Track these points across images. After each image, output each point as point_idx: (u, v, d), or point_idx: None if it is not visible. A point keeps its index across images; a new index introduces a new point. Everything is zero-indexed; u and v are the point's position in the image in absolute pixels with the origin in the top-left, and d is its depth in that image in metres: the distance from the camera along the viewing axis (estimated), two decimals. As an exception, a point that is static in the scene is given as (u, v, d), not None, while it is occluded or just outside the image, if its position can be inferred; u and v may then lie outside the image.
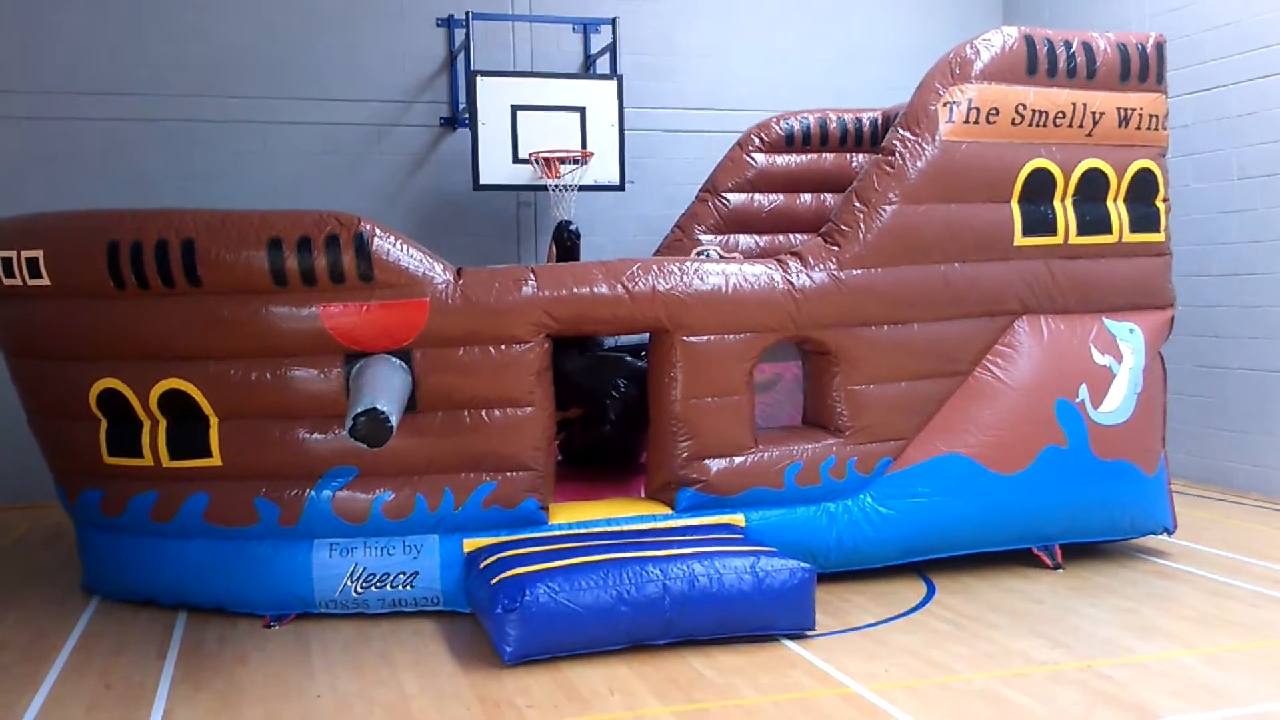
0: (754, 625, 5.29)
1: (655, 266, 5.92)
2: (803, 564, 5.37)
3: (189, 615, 5.88)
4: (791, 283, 6.00)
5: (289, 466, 5.70)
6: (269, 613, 5.76)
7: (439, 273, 5.62)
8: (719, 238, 8.67)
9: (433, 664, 5.10)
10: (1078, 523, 6.47)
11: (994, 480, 6.24)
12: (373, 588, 5.73)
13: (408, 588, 5.75)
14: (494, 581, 5.23)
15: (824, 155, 8.82)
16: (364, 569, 5.72)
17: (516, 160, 9.02)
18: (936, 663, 4.98)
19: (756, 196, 8.73)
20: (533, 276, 5.76)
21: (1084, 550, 6.65)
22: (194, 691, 4.83)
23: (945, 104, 6.10)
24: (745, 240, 8.72)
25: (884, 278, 6.10)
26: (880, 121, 8.77)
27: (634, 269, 5.88)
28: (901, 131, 6.15)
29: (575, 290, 5.77)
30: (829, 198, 8.80)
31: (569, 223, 7.87)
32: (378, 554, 5.75)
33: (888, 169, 6.11)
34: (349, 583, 5.72)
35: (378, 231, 5.53)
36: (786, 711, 4.43)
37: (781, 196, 8.78)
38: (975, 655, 5.07)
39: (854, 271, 6.06)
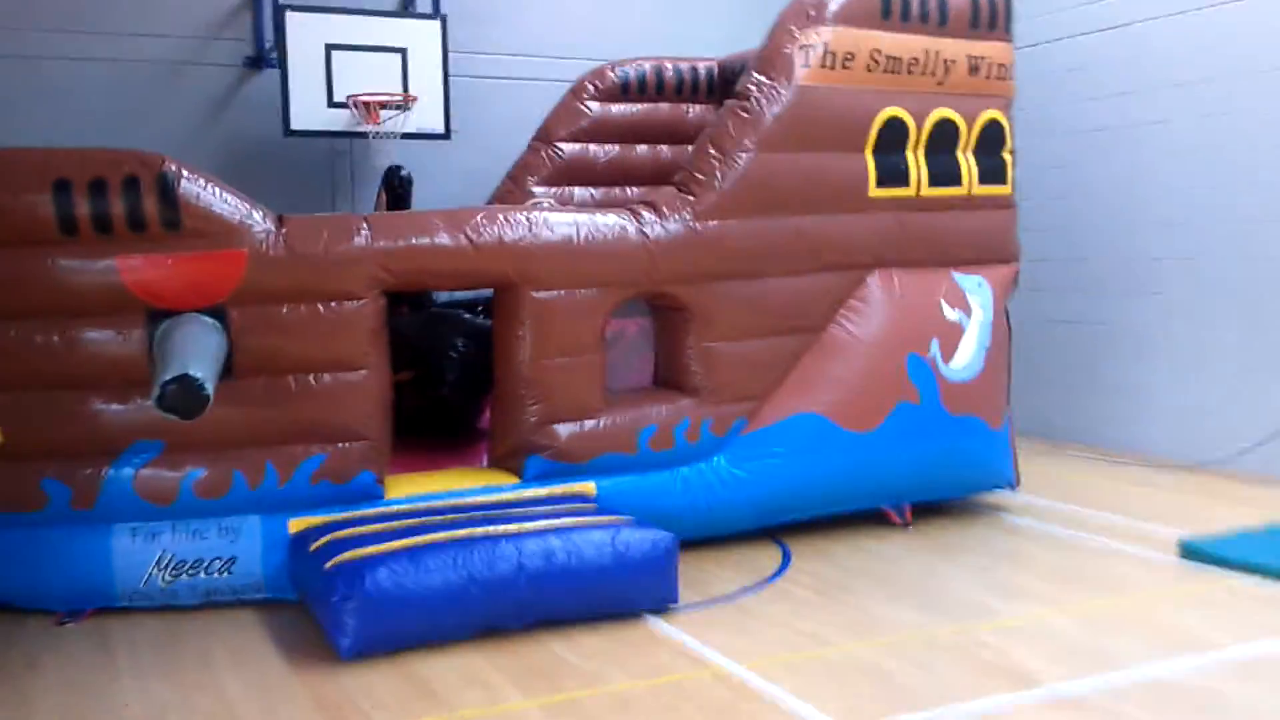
0: (616, 602, 4.93)
1: (501, 216, 5.45)
2: (664, 533, 5.04)
3: (-34, 614, 5.13)
4: (645, 234, 5.64)
5: (83, 442, 5.02)
6: (62, 608, 5.07)
7: (258, 220, 5.02)
8: (553, 189, 8.26)
9: (259, 662, 4.56)
10: (928, 480, 6.37)
11: (848, 439, 6.07)
12: (184, 576, 5.12)
13: (224, 575, 5.16)
14: (328, 566, 4.71)
15: (660, 105, 8.51)
16: (173, 555, 5.10)
17: (332, 104, 8.34)
18: (808, 633, 4.74)
19: (591, 146, 8.36)
20: (366, 226, 5.21)
21: (931, 509, 6.57)
22: (-27, 704, 4.17)
23: (801, 47, 5.83)
24: (580, 192, 8.33)
25: (740, 229, 5.80)
26: (716, 72, 8.50)
27: (478, 218, 5.40)
28: (756, 75, 5.84)
29: (414, 241, 5.25)
30: (665, 149, 8.53)
31: (400, 167, 7.30)
32: (189, 538, 5.13)
33: (743, 114, 5.80)
34: (156, 571, 5.09)
35: (185, 173, 4.90)
36: (663, 698, 4.10)
37: (617, 147, 8.43)
38: (845, 623, 4.86)
39: (710, 223, 5.74)
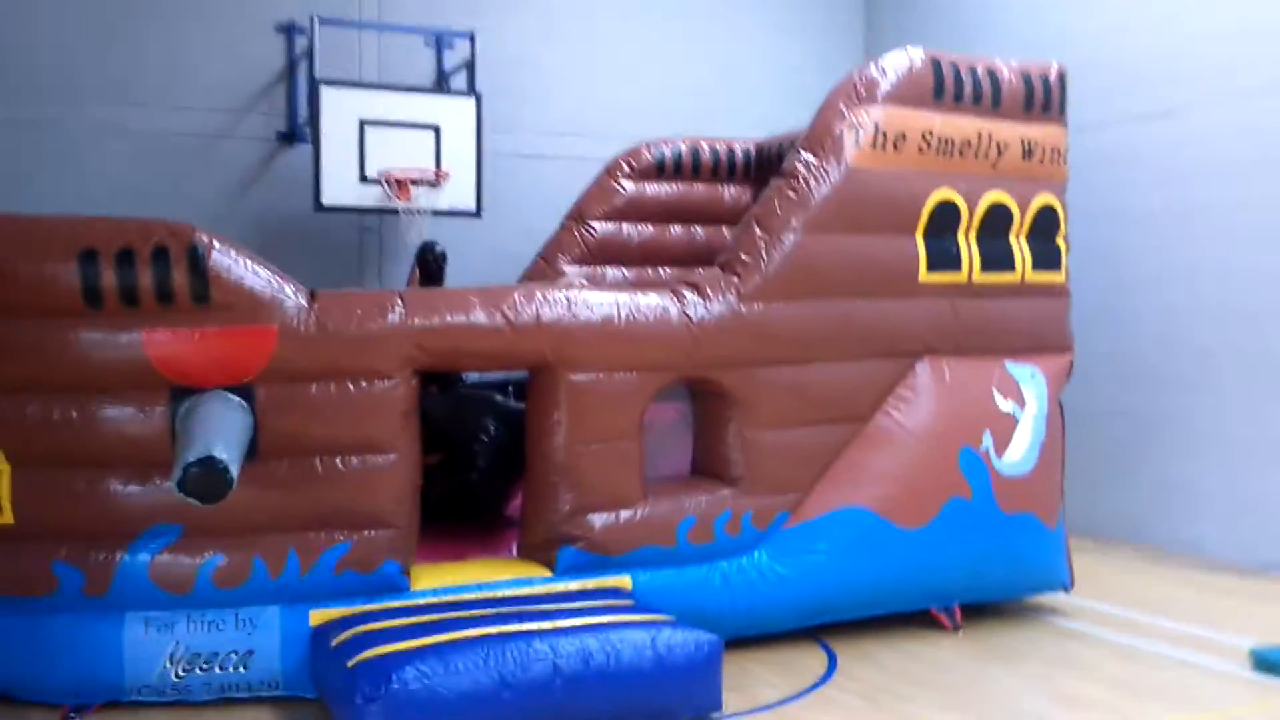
0: (655, 709, 4.62)
1: (540, 294, 5.24)
2: (708, 635, 4.74)
3: (-35, 706, 4.85)
4: (688, 315, 5.42)
5: (97, 524, 4.77)
6: (69, 701, 4.77)
7: (289, 295, 4.82)
8: (585, 268, 8.09)
9: (275, 766, 4.26)
10: (980, 580, 6.05)
11: (896, 535, 5.77)
12: (197, 670, 4.82)
13: (240, 670, 4.86)
14: (351, 664, 4.42)
15: (695, 185, 8.38)
16: (187, 648, 4.82)
17: (364, 180, 8.25)
18: (861, 747, 4.42)
19: (625, 226, 8.21)
20: (400, 302, 5.01)
21: (979, 610, 6.23)
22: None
23: (850, 127, 5.65)
24: (612, 272, 8.17)
25: (786, 312, 5.58)
26: (754, 153, 8.35)
27: (516, 296, 5.19)
28: (804, 155, 5.66)
29: (449, 319, 5.04)
30: (699, 230, 8.38)
31: (434, 243, 7.13)
32: (204, 629, 4.85)
33: (790, 194, 5.60)
34: (168, 665, 4.80)
35: (216, 244, 4.71)
36: (711, 819, 3.78)
37: (651, 227, 8.28)
38: (901, 736, 4.53)
39: (755, 305, 5.51)
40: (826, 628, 5.85)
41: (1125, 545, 8.07)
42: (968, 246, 6.00)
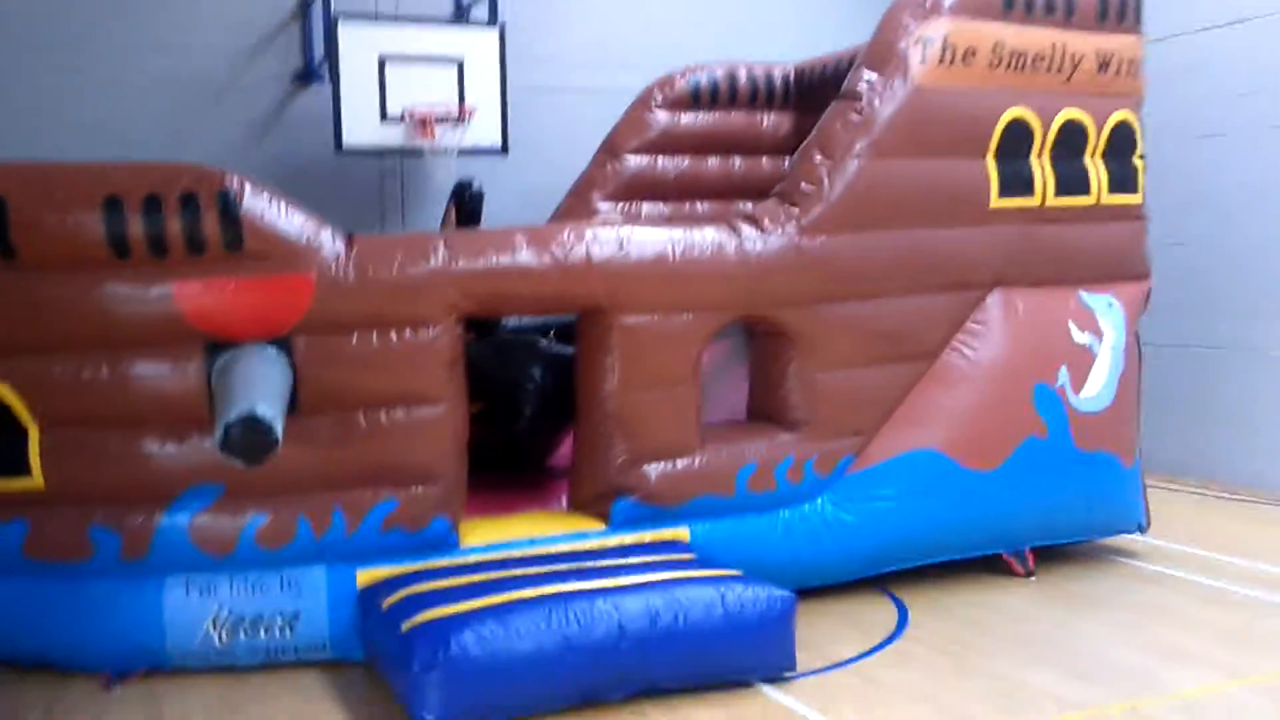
0: (726, 669, 4.36)
1: (589, 232, 4.91)
2: (781, 591, 4.47)
3: (6, 675, 4.60)
4: (746, 251, 5.08)
5: (133, 487, 4.52)
6: (109, 669, 4.55)
7: (326, 240, 4.51)
8: (619, 204, 7.73)
9: (329, 738, 4.02)
10: (1055, 523, 5.77)
11: (968, 478, 5.48)
12: (242, 634, 4.58)
13: (287, 633, 4.62)
14: (405, 628, 4.17)
15: (732, 113, 7.96)
16: (230, 611, 4.58)
17: (385, 119, 7.89)
18: (950, 709, 4.15)
19: (660, 159, 7.81)
20: (442, 245, 4.69)
21: (1050, 554, 5.93)
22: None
23: (916, 41, 5.27)
24: (648, 207, 7.80)
25: (850, 244, 5.24)
26: (793, 77, 7.94)
27: (565, 234, 4.86)
28: (866, 73, 5.29)
29: (496, 261, 4.72)
30: (738, 161, 7.99)
31: (470, 181, 6.77)
32: (248, 592, 4.60)
33: (853, 117, 5.24)
34: (211, 629, 4.56)
35: (248, 188, 4.39)
36: (803, 791, 3.53)
37: (687, 159, 7.88)
38: (991, 696, 4.26)
39: (817, 238, 5.18)
40: (891, 576, 5.57)
41: (1188, 481, 7.77)
42: (1041, 168, 5.64)
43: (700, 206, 7.76)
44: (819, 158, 5.24)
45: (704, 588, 4.40)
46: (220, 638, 4.57)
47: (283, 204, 4.48)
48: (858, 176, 5.22)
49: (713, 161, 7.95)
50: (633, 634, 4.19)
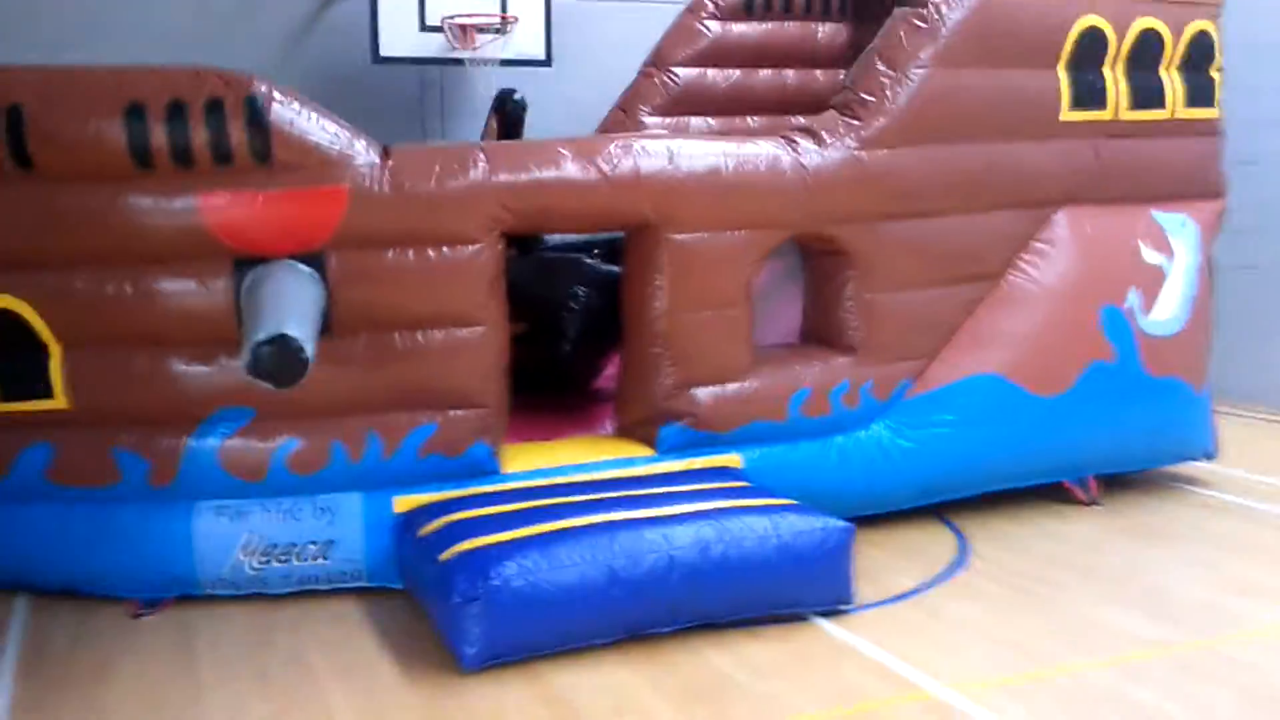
0: (780, 602, 4.17)
1: (637, 144, 4.64)
2: (838, 521, 4.26)
3: (32, 603, 4.50)
4: (803, 165, 4.79)
5: (160, 409, 4.35)
6: (139, 595, 4.42)
7: (360, 151, 4.26)
8: (667, 119, 7.41)
9: (365, 669, 3.87)
10: (1120, 451, 5.53)
11: (1032, 404, 5.23)
12: (274, 562, 4.44)
13: (321, 560, 4.47)
14: (443, 557, 3.99)
15: (786, 24, 7.58)
16: (262, 538, 4.42)
17: (424, 28, 7.61)
18: (1017, 645, 3.95)
19: (710, 71, 7.45)
20: (482, 156, 4.43)
21: (1113, 482, 5.69)
22: (34, 714, 3.53)
23: (986, -59, 4.91)
24: (696, 122, 7.45)
25: (914, 159, 4.94)
26: (852, -16, 7.54)
27: (612, 146, 4.59)
28: (933, -24, 4.94)
29: (538, 174, 4.46)
30: (790, 74, 7.62)
31: (513, 91, 6.49)
32: (280, 518, 4.44)
33: (919, 23, 4.92)
34: (243, 556, 4.42)
35: (277, 95, 4.15)
36: (864, 734, 3.35)
37: (738, 72, 7.52)
38: (1058, 632, 4.05)
39: (879, 152, 4.88)
40: (949, 505, 5.36)
41: (1261, 408, 7.45)
42: (1114, 80, 5.31)
43: (751, 122, 7.42)
44: (882, 67, 4.92)
45: (757, 517, 4.19)
46: (252, 565, 4.43)
47: (314, 112, 4.24)
48: (922, 87, 4.90)
49: (765, 74, 7.58)
50: (683, 565, 3.99)
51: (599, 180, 4.53)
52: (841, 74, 7.52)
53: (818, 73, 7.53)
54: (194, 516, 4.40)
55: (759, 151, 4.77)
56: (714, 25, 7.41)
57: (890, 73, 4.89)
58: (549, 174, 4.48)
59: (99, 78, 4.15)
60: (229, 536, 4.41)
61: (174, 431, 4.36)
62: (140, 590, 4.43)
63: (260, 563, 4.44)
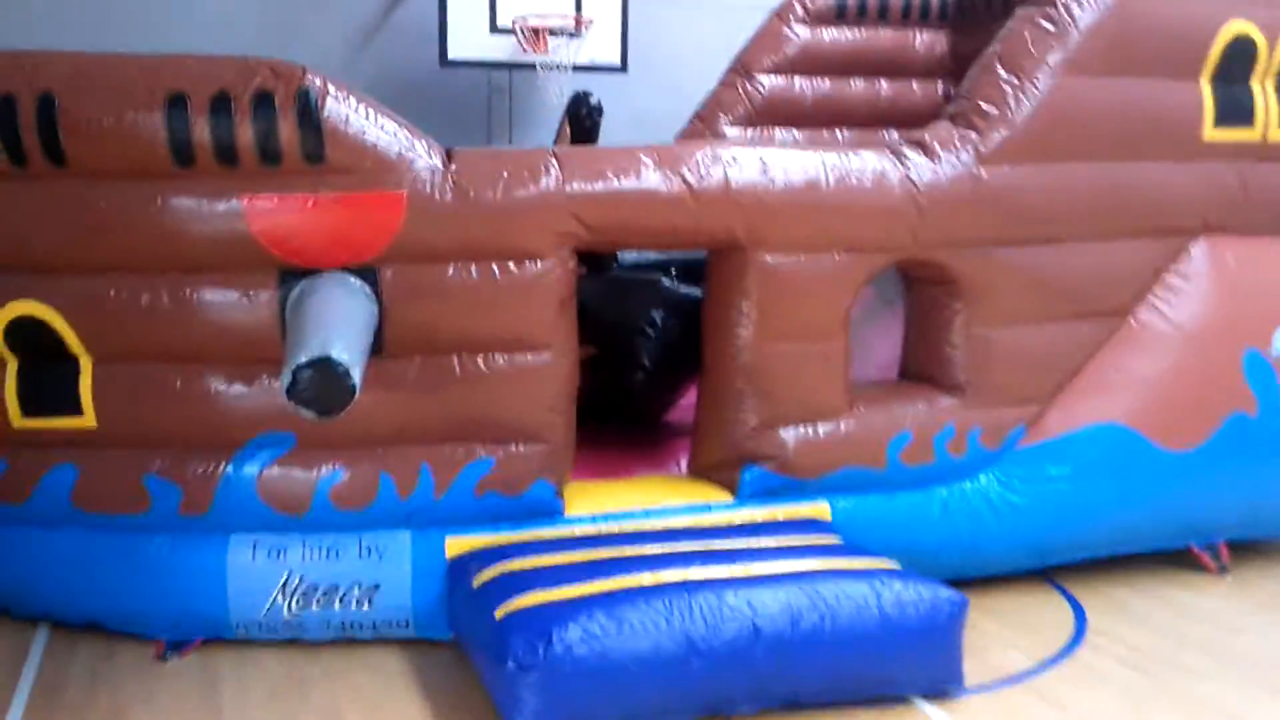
0: (881, 682, 3.66)
1: (727, 153, 4.17)
2: (948, 591, 3.74)
3: (51, 635, 4.14)
4: (913, 181, 4.29)
5: (196, 431, 3.98)
6: (165, 635, 4.04)
7: (421, 154, 3.84)
8: (750, 131, 6.99)
9: (407, 735, 3.44)
10: (1258, 514, 4.96)
11: (1159, 458, 4.67)
12: (314, 605, 4.02)
13: (364, 606, 4.04)
14: (500, 614, 3.54)
15: (881, 30, 7.15)
16: (302, 578, 4.01)
17: (495, 30, 7.35)
18: (1156, 744, 3.40)
19: (798, 80, 7.04)
20: (555, 163, 3.99)
21: (1243, 550, 5.10)
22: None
23: (1125, -63, 4.40)
24: (782, 134, 7.04)
25: (1036, 177, 4.43)
26: (953, -11, 7.06)
27: (699, 155, 4.13)
28: (1064, -25, 4.43)
29: (618, 184, 4.01)
30: (884, 84, 7.17)
31: (588, 94, 6.09)
32: (322, 557, 4.03)
33: (1046, 25, 4.40)
34: (280, 598, 4.01)
35: (331, 89, 3.75)
36: None
37: (828, 81, 7.11)
38: (1204, 729, 3.50)
39: (999, 168, 4.36)
40: (1061, 569, 4.81)
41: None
42: (1264, 95, 4.76)
43: (841, 134, 6.98)
44: (1003, 73, 4.40)
45: (855, 583, 3.68)
46: (290, 607, 4.02)
47: (371, 110, 3.83)
48: (1049, 98, 4.38)
49: (857, 84, 7.17)
50: (769, 637, 3.50)
51: (684, 192, 4.06)
52: (939, 85, 7.09)
53: (914, 83, 7.12)
54: (229, 552, 4.02)
55: (864, 164, 4.27)
56: (803, 31, 7.02)
57: (1013, 80, 4.38)
58: (628, 184, 4.03)
59: (138, 65, 3.79)
60: (266, 575, 4.02)
61: (209, 457, 3.99)
62: (166, 629, 4.06)
63: (299, 605, 4.03)
